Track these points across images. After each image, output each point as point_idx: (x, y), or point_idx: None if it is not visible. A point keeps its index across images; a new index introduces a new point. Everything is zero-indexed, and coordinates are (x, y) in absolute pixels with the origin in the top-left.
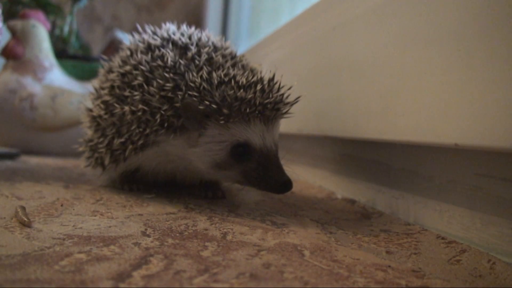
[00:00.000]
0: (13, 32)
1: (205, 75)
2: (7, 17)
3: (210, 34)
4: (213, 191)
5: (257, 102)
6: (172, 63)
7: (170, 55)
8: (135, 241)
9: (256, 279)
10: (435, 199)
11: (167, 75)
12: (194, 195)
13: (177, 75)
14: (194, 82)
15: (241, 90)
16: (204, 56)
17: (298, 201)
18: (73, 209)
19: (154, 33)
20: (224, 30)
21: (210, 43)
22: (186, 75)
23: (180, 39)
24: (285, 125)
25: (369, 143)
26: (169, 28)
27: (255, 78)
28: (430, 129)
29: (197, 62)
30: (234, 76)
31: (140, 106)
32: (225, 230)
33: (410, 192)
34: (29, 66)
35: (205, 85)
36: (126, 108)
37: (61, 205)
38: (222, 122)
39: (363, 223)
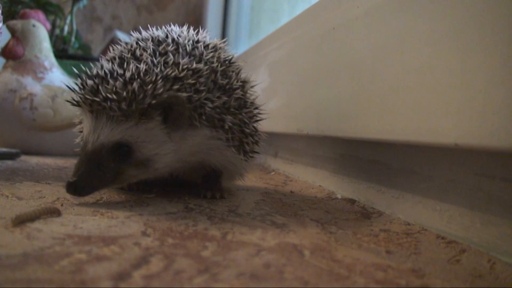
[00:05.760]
0: (13, 32)
1: (106, 66)
2: (7, 17)
3: (202, 34)
4: (212, 191)
5: (86, 96)
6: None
7: (121, 48)
8: (135, 241)
9: (256, 279)
10: (435, 199)
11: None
12: (194, 194)
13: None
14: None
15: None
16: (148, 51)
17: (298, 201)
18: (73, 209)
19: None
20: (224, 30)
21: (181, 40)
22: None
23: (151, 36)
24: (285, 125)
25: (369, 143)
26: (167, 28)
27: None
28: (430, 129)
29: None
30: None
31: None
32: (225, 230)
33: (410, 192)
34: (29, 66)
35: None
36: None
37: (61, 205)
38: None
39: (363, 223)
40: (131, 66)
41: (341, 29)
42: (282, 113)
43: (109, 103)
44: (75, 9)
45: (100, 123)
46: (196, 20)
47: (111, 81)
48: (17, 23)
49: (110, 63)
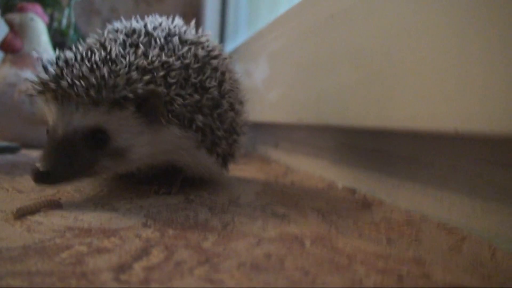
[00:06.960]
0: (11, 25)
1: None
2: (5, 10)
3: (184, 27)
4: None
5: (50, 83)
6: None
7: (92, 40)
8: (135, 232)
9: (257, 269)
10: (436, 187)
11: None
12: (195, 186)
13: None
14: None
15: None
16: (118, 41)
17: (299, 191)
18: (74, 202)
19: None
20: (222, 21)
21: (155, 33)
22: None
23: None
24: (285, 115)
25: (369, 132)
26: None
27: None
28: (430, 116)
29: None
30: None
31: None
32: (225, 220)
33: (410, 180)
34: (27, 59)
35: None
36: None
37: (61, 198)
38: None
39: (363, 212)
40: (97, 53)
41: (339, 16)
42: (282, 103)
43: (76, 89)
44: (73, 2)
45: (68, 109)
46: (195, 11)
47: (76, 65)
48: (15, 17)
49: (75, 51)
